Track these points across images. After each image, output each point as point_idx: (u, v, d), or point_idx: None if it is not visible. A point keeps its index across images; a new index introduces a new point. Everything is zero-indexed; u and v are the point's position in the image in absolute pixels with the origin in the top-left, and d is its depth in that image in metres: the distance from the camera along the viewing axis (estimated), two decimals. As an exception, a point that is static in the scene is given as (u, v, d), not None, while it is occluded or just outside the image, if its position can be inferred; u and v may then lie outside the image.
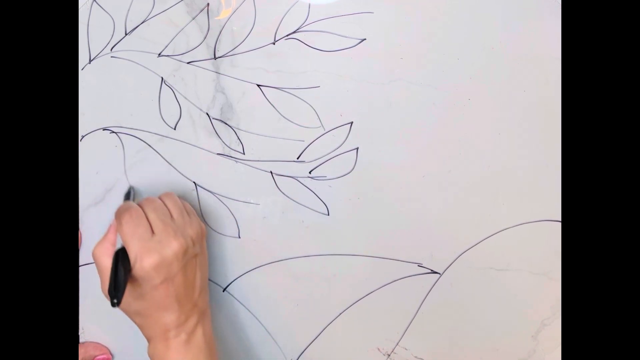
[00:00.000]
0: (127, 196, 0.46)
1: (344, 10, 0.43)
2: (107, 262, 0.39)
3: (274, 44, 0.44)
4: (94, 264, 0.48)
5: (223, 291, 0.49)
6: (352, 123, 0.46)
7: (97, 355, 0.49)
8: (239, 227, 0.47)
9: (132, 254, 0.37)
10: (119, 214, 0.39)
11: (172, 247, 0.38)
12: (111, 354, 0.50)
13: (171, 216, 0.41)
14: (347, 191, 0.47)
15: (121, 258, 0.37)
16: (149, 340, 0.41)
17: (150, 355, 0.41)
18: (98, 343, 0.50)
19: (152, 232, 0.39)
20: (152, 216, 0.39)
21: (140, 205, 0.40)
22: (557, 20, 0.43)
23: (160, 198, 0.42)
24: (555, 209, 0.47)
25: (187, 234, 0.40)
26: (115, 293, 0.36)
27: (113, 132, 0.46)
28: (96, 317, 0.49)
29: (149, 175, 0.47)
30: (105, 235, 0.41)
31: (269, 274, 0.49)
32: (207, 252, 0.46)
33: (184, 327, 0.40)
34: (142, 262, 0.37)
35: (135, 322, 0.41)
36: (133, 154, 0.46)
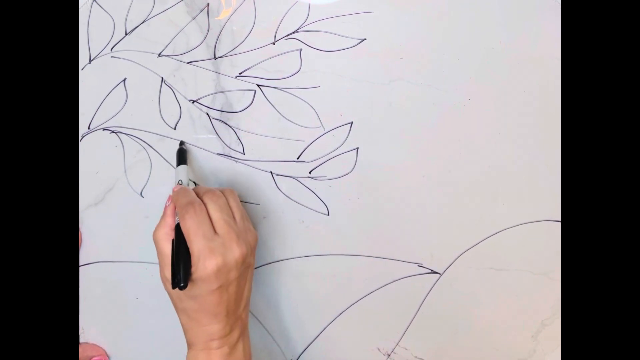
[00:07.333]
0: (181, 156, 0.43)
1: (344, 10, 0.43)
2: (167, 248, 0.38)
3: (274, 44, 0.44)
4: (93, 264, 0.48)
5: (223, 291, 0.49)
6: (352, 123, 0.46)
7: (94, 356, 0.49)
8: (239, 227, 0.47)
9: (195, 251, 0.36)
10: (183, 207, 0.37)
11: (234, 252, 0.36)
12: (107, 355, 0.50)
13: (234, 218, 0.39)
14: (347, 191, 0.47)
15: (183, 244, 0.36)
16: (190, 345, 0.39)
17: None
18: (95, 344, 0.50)
19: (215, 232, 0.37)
20: (216, 216, 0.37)
21: (203, 200, 0.38)
22: (557, 20, 0.43)
23: (224, 195, 0.40)
24: (555, 209, 0.47)
25: (248, 241, 0.38)
26: (184, 277, 0.35)
27: (113, 132, 0.46)
28: (95, 318, 0.49)
29: (149, 175, 0.47)
30: (164, 218, 0.39)
31: (269, 274, 0.49)
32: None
33: (228, 339, 0.38)
34: (205, 262, 0.35)
35: (181, 320, 0.39)
36: (133, 154, 0.46)
